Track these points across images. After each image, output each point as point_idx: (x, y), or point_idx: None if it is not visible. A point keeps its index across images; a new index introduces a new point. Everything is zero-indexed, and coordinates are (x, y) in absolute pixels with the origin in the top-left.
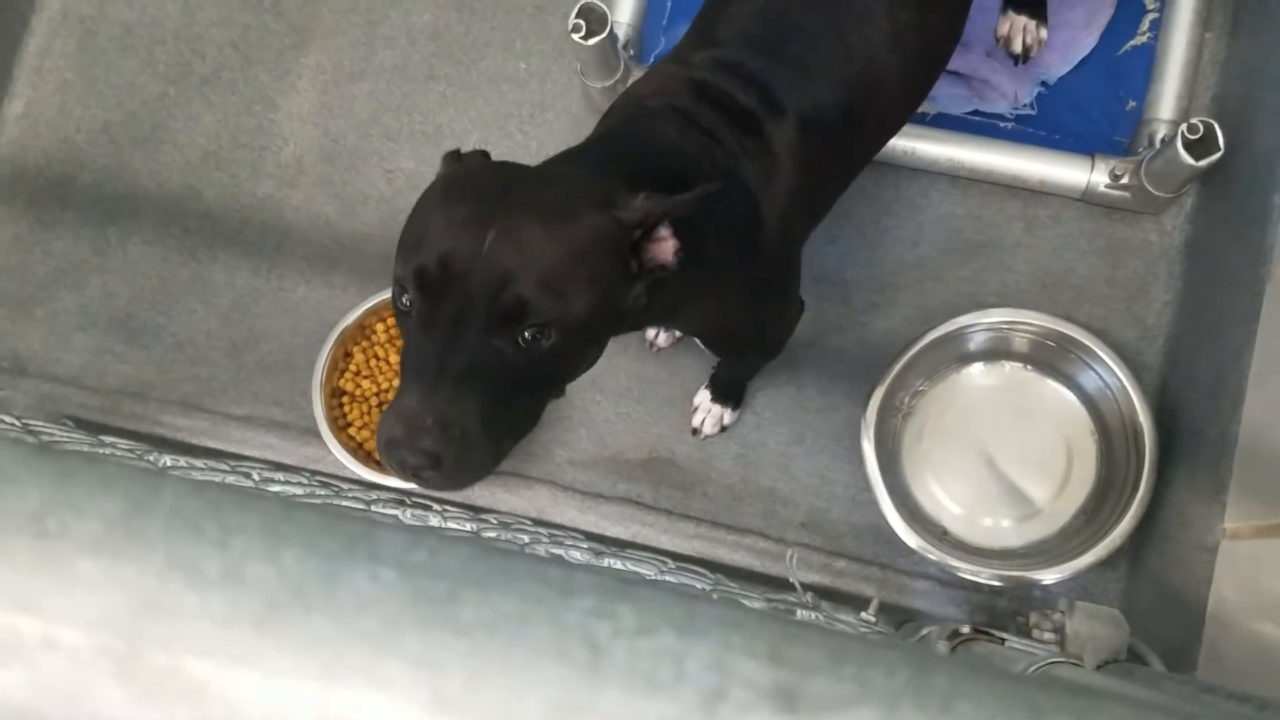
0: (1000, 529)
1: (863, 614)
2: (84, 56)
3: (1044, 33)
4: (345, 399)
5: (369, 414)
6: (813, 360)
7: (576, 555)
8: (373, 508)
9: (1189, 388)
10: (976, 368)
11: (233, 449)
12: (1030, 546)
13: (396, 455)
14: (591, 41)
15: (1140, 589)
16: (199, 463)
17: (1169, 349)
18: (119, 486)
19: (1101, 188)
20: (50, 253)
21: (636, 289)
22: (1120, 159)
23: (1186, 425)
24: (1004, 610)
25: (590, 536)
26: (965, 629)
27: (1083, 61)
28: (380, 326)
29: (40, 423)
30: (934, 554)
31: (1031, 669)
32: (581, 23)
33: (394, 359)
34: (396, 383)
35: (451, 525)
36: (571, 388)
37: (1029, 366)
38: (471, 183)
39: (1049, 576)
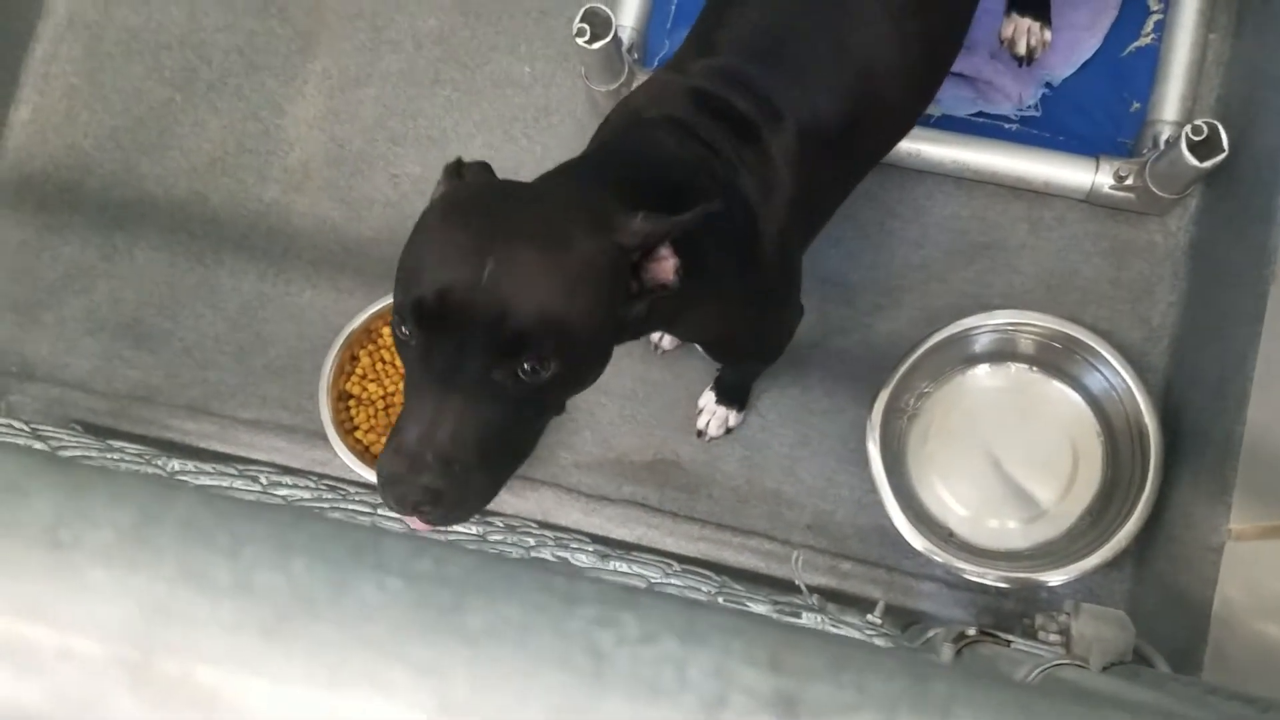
0: (1006, 530)
1: (869, 616)
2: (90, 62)
3: (1048, 34)
4: (352, 402)
5: (375, 417)
6: (817, 362)
7: (582, 558)
8: (379, 510)
9: (1194, 389)
10: (982, 369)
11: (240, 452)
12: (1036, 548)
13: (397, 491)
14: (596, 45)
15: (1145, 590)
16: (207, 466)
17: (1174, 350)
18: (131, 497)
19: (1106, 189)
20: (58, 258)
21: (637, 308)
22: (1125, 160)
23: (1191, 426)
24: (1010, 612)
25: (595, 539)
26: (971, 631)
27: (1087, 63)
28: (386, 330)
29: (48, 428)
30: (940, 556)
31: (1037, 671)
32: (586, 27)
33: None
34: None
35: (457, 529)
36: None
37: (1034, 368)
38: (469, 206)
39: (1055, 578)
